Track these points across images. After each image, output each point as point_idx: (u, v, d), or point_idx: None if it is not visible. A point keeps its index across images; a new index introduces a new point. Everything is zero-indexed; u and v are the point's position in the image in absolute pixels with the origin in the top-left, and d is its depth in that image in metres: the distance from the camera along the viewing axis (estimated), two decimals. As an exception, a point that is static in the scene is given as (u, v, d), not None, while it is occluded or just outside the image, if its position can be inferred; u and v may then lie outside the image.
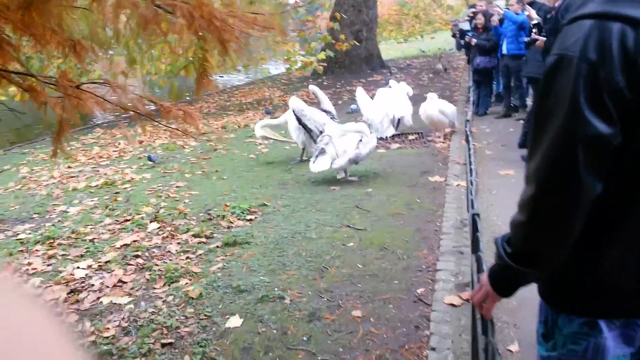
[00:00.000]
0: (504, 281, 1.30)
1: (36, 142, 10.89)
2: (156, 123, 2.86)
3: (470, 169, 3.26)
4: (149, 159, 7.49)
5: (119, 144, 9.49)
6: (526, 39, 6.78)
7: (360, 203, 4.89)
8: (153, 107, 2.57)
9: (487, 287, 1.33)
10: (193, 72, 2.46)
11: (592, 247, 1.18)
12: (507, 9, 8.08)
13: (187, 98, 14.85)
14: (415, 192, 5.14)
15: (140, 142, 9.27)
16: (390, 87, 7.49)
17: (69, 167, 7.87)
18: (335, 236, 4.16)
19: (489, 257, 1.96)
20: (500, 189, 5.08)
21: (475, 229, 2.07)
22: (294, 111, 6.14)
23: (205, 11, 1.97)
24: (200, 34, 2.04)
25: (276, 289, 3.34)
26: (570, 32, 1.13)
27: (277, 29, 2.37)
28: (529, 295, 1.34)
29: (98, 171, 7.46)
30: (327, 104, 6.59)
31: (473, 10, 9.78)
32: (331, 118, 6.23)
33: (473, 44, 8.64)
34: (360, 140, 5.57)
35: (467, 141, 4.31)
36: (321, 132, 5.92)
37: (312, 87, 6.93)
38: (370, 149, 5.70)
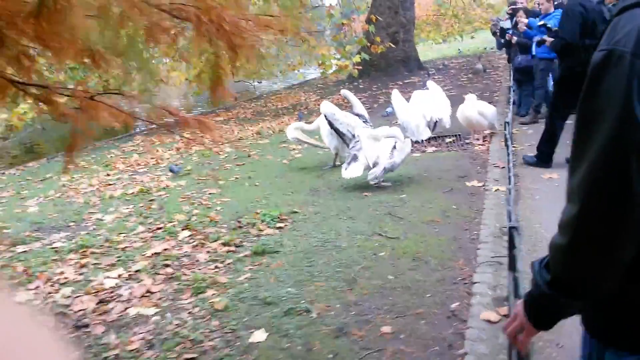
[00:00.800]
0: (541, 312, 1.13)
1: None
2: (180, 134, 2.79)
3: (509, 177, 3.04)
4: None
5: (157, 151, 9.64)
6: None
7: (393, 210, 4.71)
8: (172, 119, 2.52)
9: (523, 318, 1.16)
10: (207, 81, 2.37)
11: None
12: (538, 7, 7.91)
13: (224, 106, 15.01)
14: (451, 198, 4.91)
15: (178, 149, 9.40)
16: (427, 88, 7.28)
17: (108, 174, 8.03)
18: (367, 245, 4.00)
19: (529, 274, 1.77)
20: (544, 194, 4.79)
21: (512, 245, 1.87)
22: (325, 115, 6.03)
23: (214, 15, 1.87)
24: (211, 39, 1.96)
25: (303, 302, 3.22)
26: (621, 23, 0.95)
27: (290, 30, 2.25)
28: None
29: (135, 178, 7.56)
30: (359, 107, 6.45)
31: (513, 7, 9.40)
32: (364, 122, 6.08)
33: (514, 42, 8.31)
34: (394, 147, 5.38)
35: (507, 145, 4.07)
36: (354, 136, 5.78)
37: (344, 91, 6.82)
38: (405, 156, 5.51)
